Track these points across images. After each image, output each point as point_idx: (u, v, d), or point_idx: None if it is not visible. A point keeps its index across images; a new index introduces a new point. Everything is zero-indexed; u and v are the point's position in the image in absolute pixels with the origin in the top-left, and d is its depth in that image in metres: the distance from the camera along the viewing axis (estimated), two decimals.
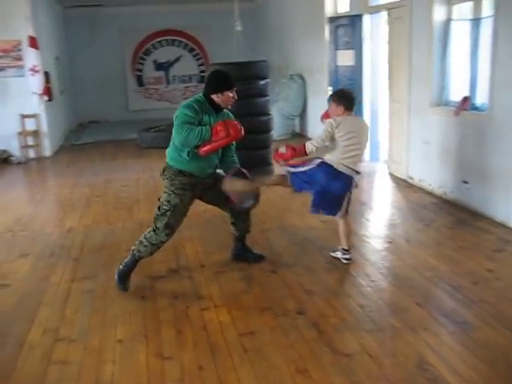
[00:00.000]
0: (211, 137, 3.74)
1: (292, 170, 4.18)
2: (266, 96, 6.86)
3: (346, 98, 4.20)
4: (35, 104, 9.83)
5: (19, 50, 9.72)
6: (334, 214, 4.28)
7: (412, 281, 3.95)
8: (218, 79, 3.99)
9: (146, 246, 3.95)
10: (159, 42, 14.88)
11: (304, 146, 4.12)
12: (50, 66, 10.74)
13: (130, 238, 5.07)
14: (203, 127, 3.77)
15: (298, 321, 3.43)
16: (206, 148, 3.81)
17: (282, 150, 4.20)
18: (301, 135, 11.08)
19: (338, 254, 4.38)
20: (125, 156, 9.74)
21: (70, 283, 4.17)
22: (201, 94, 4.00)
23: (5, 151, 9.80)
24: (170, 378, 2.91)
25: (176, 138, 3.84)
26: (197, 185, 4.01)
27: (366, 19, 7.92)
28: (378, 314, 3.50)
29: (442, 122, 6.04)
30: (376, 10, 7.77)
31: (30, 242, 5.24)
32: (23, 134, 9.92)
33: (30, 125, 9.95)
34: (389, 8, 7.17)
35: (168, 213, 3.90)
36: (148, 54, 14.87)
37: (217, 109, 3.97)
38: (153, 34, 14.72)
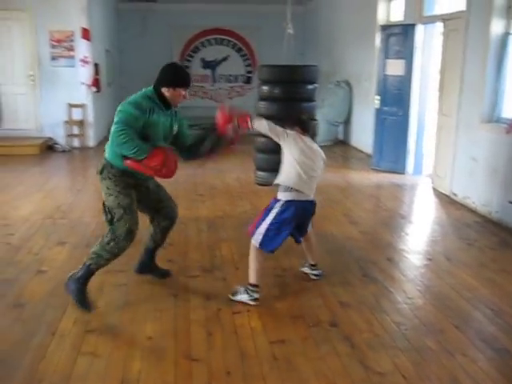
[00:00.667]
0: (144, 159, 3.40)
1: (257, 232, 3.72)
2: (313, 101, 6.79)
3: (305, 120, 4.02)
4: (83, 94, 10.00)
5: (72, 40, 9.90)
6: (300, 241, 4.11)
7: (450, 301, 3.83)
8: (174, 73, 3.64)
9: (107, 259, 3.60)
10: (208, 40, 14.93)
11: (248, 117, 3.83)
12: (100, 58, 10.89)
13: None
14: (142, 146, 3.39)
15: (330, 333, 3.35)
16: (130, 163, 3.46)
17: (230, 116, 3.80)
18: (344, 143, 10.96)
19: (307, 270, 4.24)
20: None
21: (103, 275, 4.14)
22: (150, 88, 3.62)
23: (51, 139, 10.01)
24: (197, 380, 2.87)
25: (112, 137, 3.43)
26: (139, 186, 3.72)
27: (420, 29, 7.76)
28: (414, 333, 3.39)
29: (491, 140, 5.86)
30: (431, 20, 7.61)
31: (68, 230, 5.30)
32: (69, 123, 10.10)
33: (77, 114, 10.13)
34: (444, 19, 7.02)
35: (125, 216, 3.55)
36: (196, 52, 14.94)
37: (166, 105, 3.62)
38: (202, 32, 14.77)
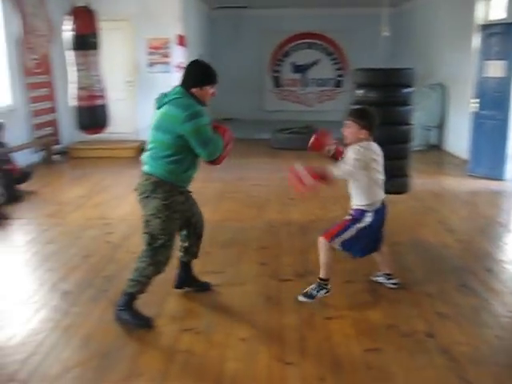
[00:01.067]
0: (222, 141, 3.43)
1: (337, 241, 3.71)
2: (409, 105, 6.63)
3: (373, 120, 3.70)
4: None
5: (167, 47, 10.26)
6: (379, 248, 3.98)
7: None
8: (200, 71, 3.49)
9: (144, 284, 3.48)
10: (298, 44, 14.99)
11: (325, 170, 3.57)
12: None
13: (259, 238, 5.17)
14: (214, 134, 3.41)
15: (426, 344, 3.25)
16: (223, 156, 3.48)
17: (305, 177, 3.55)
18: (438, 148, 10.61)
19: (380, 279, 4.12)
20: (257, 155, 9.90)
21: (199, 275, 4.28)
22: (179, 89, 3.42)
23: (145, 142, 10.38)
24: None
25: (204, 148, 3.31)
26: (186, 199, 3.58)
27: None
28: None
29: None
30: None
31: None
32: None
33: None
34: None
35: (168, 243, 3.43)
36: (287, 56, 15.03)
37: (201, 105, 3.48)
38: (293, 36, 14.85)
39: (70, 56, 6.67)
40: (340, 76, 14.84)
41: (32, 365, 3.06)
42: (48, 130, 9.66)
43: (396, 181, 5.93)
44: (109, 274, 4.35)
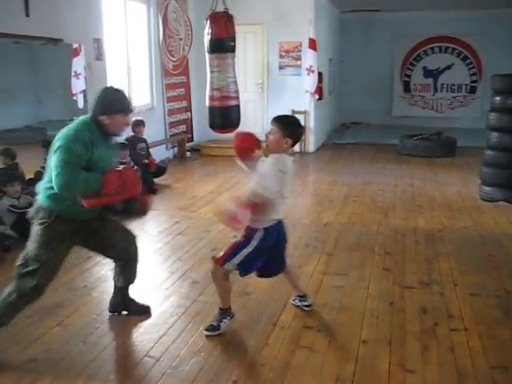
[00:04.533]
0: (101, 189, 3.02)
1: (233, 261, 3.31)
2: None
3: (299, 133, 3.36)
4: (306, 102, 10.42)
5: (299, 50, 10.41)
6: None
7: None
8: (111, 98, 3.17)
9: (4, 315, 3.14)
10: (431, 48, 14.50)
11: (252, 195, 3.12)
12: (323, 67, 11.28)
13: (383, 242, 5.15)
14: (91, 176, 3.03)
15: None
16: (91, 201, 3.07)
17: (237, 213, 3.06)
18: None
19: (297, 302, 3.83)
20: (384, 160, 9.75)
21: (321, 276, 4.35)
22: (88, 116, 3.18)
23: None
24: None
25: (55, 180, 2.97)
26: (79, 230, 3.23)
27: None
28: None
29: None
30: None
31: (289, 229, 5.55)
32: None
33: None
34: None
35: (37, 273, 3.05)
36: (418, 60, 14.61)
37: (106, 135, 3.19)
38: (425, 40, 14.40)
39: (209, 58, 7.01)
40: (474, 82, 14.17)
41: (163, 345, 3.30)
42: (182, 128, 10.21)
43: None
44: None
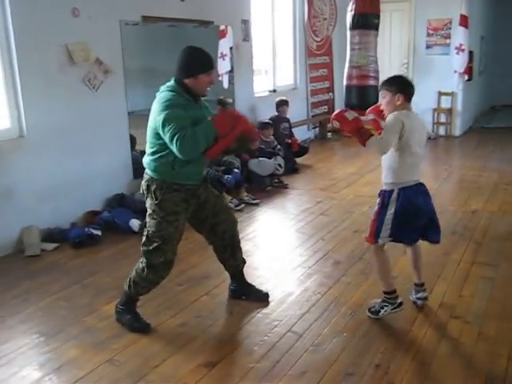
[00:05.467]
0: (217, 132, 2.98)
1: (383, 235, 3.25)
2: None
3: (407, 85, 3.27)
4: (454, 82, 9.89)
5: (449, 28, 9.89)
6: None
7: None
8: (194, 58, 3.09)
9: (144, 287, 3.26)
10: None
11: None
12: (474, 46, 10.63)
13: None
14: (203, 126, 2.97)
15: None
16: (213, 151, 3.07)
17: (349, 115, 3.21)
18: None
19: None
20: None
21: (469, 265, 4.15)
22: (171, 82, 3.11)
23: None
24: None
25: (180, 152, 2.93)
26: (191, 198, 3.21)
27: None
28: None
29: None
30: None
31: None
32: (437, 110, 10.18)
33: (446, 103, 10.13)
34: None
35: (162, 246, 3.12)
36: None
37: (194, 98, 3.13)
38: None
39: (350, 35, 6.88)
40: None
41: (306, 322, 3.36)
42: (323, 109, 10.19)
43: None
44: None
